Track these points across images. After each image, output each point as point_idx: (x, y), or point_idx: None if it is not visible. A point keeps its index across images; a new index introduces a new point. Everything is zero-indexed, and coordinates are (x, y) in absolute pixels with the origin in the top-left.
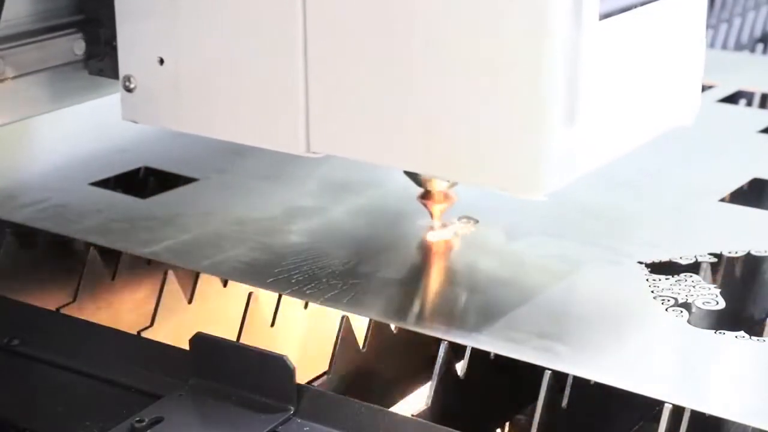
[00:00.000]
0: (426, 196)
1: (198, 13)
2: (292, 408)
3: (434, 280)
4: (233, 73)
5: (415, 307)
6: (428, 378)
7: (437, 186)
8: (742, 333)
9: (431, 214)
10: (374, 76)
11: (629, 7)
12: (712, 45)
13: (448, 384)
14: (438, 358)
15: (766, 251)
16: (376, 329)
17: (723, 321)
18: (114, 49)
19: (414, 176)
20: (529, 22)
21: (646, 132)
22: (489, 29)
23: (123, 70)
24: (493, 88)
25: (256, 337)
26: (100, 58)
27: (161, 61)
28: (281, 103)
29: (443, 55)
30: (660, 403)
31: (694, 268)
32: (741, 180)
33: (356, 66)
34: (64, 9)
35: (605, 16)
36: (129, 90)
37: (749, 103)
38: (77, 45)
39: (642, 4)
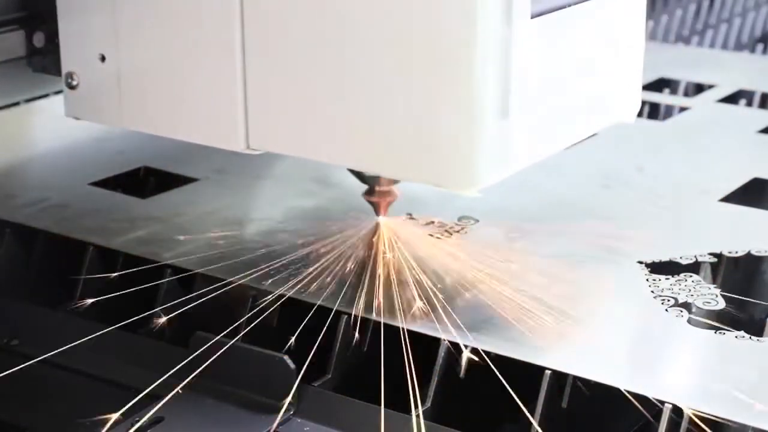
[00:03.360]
0: (370, 192)
1: (138, 10)
2: (292, 408)
3: (434, 280)
4: (173, 70)
5: (416, 307)
6: (428, 378)
7: (381, 182)
8: (742, 333)
9: (376, 211)
10: (310, 74)
11: (562, 6)
12: (712, 45)
13: (448, 384)
14: (438, 358)
15: (766, 251)
16: (376, 329)
17: (723, 321)
18: (57, 46)
19: (359, 173)
20: (460, 19)
21: (584, 128)
22: (420, 26)
23: (65, 67)
24: (425, 84)
25: (256, 337)
26: (43, 55)
27: (103, 58)
28: (220, 101)
29: (376, 51)
30: (660, 403)
31: (694, 268)
32: (741, 180)
33: (292, 64)
34: (7, 5)
35: (537, 14)
36: (72, 87)
37: (749, 103)
38: (35, 38)
39: (575, 3)
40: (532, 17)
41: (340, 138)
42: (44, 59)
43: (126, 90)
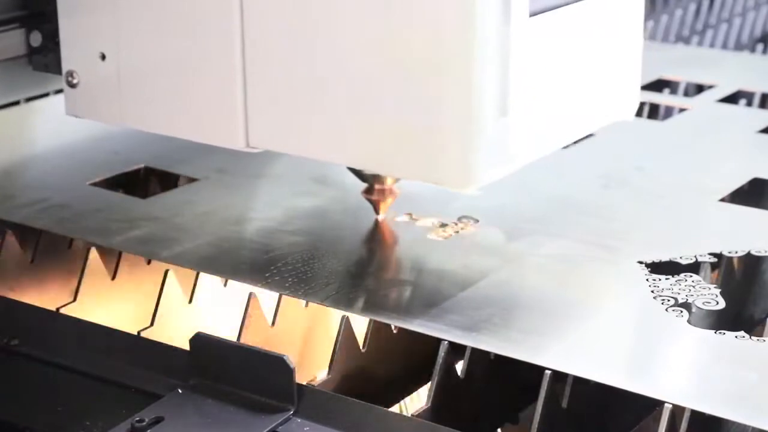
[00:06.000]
0: (369, 191)
1: (138, 9)
2: (292, 408)
3: (434, 281)
4: (173, 68)
5: (416, 307)
6: (428, 378)
7: (381, 181)
8: (742, 333)
9: (375, 210)
10: (309, 73)
11: (560, 4)
12: (712, 45)
13: (448, 384)
14: (438, 358)
15: (766, 251)
16: (376, 329)
17: (723, 321)
18: (58, 45)
19: (358, 172)
20: (459, 17)
21: (582, 126)
22: (419, 25)
23: (66, 66)
24: (424, 83)
25: (256, 337)
26: (45, 54)
27: (103, 57)
28: (220, 100)
29: (374, 50)
30: (660, 403)
31: (694, 268)
32: (741, 180)
33: (291, 63)
34: (9, 4)
35: (536, 13)
36: (72, 85)
37: (749, 103)
38: (31, 38)
39: (574, 2)
40: (530, 16)
41: (338, 136)
42: (45, 58)
43: (126, 88)
